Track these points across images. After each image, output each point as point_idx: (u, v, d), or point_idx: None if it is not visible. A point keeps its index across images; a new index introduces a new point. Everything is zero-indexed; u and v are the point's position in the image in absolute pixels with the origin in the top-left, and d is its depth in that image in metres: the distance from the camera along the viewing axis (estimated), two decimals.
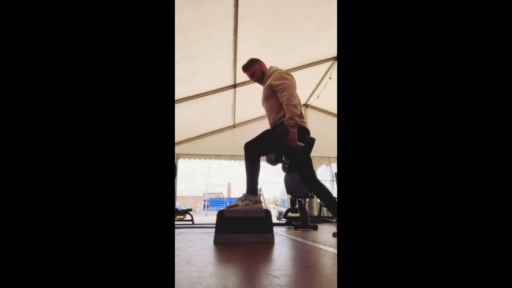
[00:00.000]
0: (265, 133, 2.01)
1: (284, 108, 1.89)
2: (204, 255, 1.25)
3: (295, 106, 1.86)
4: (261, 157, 2.00)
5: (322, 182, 2.09)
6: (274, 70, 2.09)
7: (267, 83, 2.06)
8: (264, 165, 2.45)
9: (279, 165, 2.22)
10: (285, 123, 1.88)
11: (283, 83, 1.93)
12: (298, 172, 2.10)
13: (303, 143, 1.90)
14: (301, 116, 2.01)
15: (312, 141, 1.91)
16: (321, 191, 2.05)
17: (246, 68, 2.18)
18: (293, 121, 1.84)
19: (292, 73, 2.08)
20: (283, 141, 1.88)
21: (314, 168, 2.11)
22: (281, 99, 1.91)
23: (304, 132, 1.97)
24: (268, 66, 2.19)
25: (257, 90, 4.03)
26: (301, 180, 2.14)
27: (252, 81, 2.25)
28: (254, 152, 1.93)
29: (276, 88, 1.96)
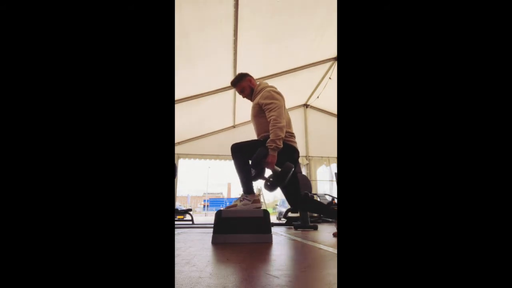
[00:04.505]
0: (254, 141, 1.97)
1: (270, 128, 1.84)
2: (204, 255, 1.25)
3: (280, 128, 1.82)
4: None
5: (312, 195, 1.99)
6: (264, 87, 2.03)
7: (256, 100, 2.00)
8: None
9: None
10: (266, 144, 1.83)
11: (272, 103, 1.89)
12: (281, 189, 2.03)
13: (283, 165, 1.82)
14: (291, 135, 1.97)
15: (288, 168, 1.83)
16: (307, 207, 1.97)
17: (235, 83, 2.14)
18: (275, 145, 1.80)
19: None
20: (261, 162, 1.82)
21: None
22: (269, 118, 1.87)
23: (290, 151, 1.92)
24: (258, 80, 2.13)
25: None
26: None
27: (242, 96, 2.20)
28: (238, 153, 1.91)
29: (264, 107, 1.91)
